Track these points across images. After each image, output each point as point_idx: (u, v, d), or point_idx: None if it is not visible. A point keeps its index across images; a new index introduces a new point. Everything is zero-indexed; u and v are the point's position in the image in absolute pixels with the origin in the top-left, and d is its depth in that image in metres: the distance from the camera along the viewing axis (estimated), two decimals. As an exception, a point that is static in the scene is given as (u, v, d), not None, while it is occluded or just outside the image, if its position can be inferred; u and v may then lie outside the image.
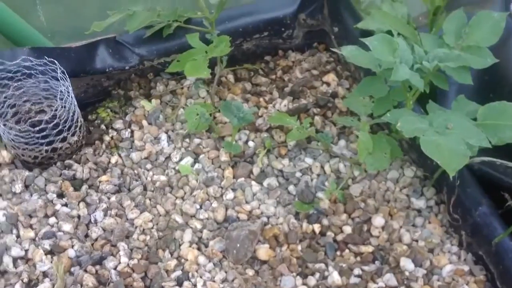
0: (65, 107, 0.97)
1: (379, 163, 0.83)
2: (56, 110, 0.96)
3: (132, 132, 1.04)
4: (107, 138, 1.03)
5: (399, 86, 0.84)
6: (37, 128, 0.95)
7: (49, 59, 0.99)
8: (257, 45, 1.15)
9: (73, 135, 1.00)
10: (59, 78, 0.99)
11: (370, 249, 0.86)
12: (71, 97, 0.98)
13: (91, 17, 1.34)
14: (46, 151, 0.98)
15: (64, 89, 0.98)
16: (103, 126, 1.06)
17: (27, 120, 1.05)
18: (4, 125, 0.96)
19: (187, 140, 1.01)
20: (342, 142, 0.99)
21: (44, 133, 0.96)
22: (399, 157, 0.89)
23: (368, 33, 1.03)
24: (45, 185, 0.94)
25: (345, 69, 1.11)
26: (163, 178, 0.95)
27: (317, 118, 1.01)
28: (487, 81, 0.95)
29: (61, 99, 0.98)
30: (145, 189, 0.95)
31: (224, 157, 0.97)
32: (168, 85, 1.12)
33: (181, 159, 0.98)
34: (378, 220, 0.88)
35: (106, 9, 1.33)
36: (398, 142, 0.90)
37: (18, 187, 0.93)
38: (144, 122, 1.05)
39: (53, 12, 1.30)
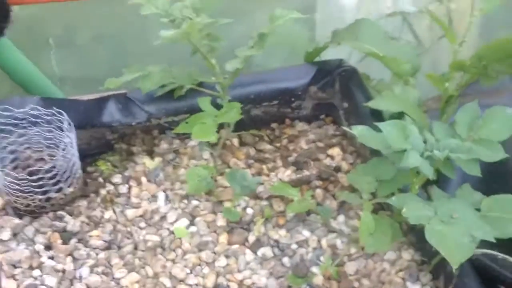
0: (66, 158, 0.96)
1: (379, 245, 0.80)
2: (56, 160, 0.95)
3: (129, 188, 1.02)
4: (103, 191, 1.01)
5: (407, 170, 0.83)
6: (35, 177, 0.93)
7: (58, 109, 0.99)
8: (266, 112, 1.15)
9: (69, 186, 0.98)
10: (65, 129, 0.99)
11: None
12: (74, 149, 0.97)
13: (102, 68, 1.38)
14: (40, 200, 0.96)
15: (68, 141, 0.97)
16: (100, 179, 1.04)
17: (25, 167, 1.04)
18: (1, 170, 0.95)
19: (185, 201, 0.99)
20: (341, 218, 0.96)
21: (41, 182, 0.94)
22: (399, 239, 0.87)
23: (377, 112, 1.04)
24: (34, 235, 0.91)
25: (350, 144, 1.10)
26: (155, 238, 0.92)
27: (318, 191, 1.00)
28: (492, 171, 0.94)
29: (63, 149, 0.97)
30: (136, 248, 0.92)
31: (220, 222, 0.95)
32: (172, 144, 1.11)
33: (176, 220, 0.96)
34: (373, 303, 0.84)
35: (117, 62, 1.36)
36: (398, 223, 0.87)
37: (6, 234, 0.91)
38: (143, 179, 1.03)
39: (66, 60, 1.33)
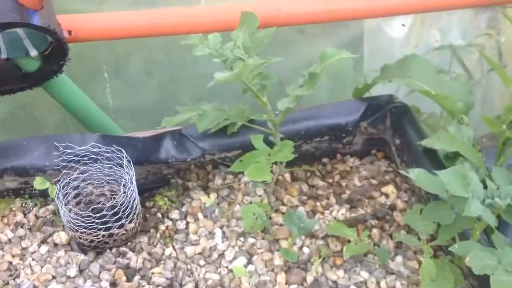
0: (127, 194, 1.00)
1: (441, 291, 0.81)
2: (117, 197, 0.98)
3: (187, 224, 1.05)
4: (162, 227, 1.04)
5: (466, 216, 0.84)
6: (98, 214, 0.97)
7: (117, 147, 1.02)
8: (316, 148, 1.17)
9: (130, 222, 1.02)
10: (124, 166, 1.02)
11: None
12: (134, 185, 1.01)
13: (155, 100, 1.41)
14: (103, 236, 0.99)
15: (128, 178, 1.00)
16: (159, 215, 1.07)
17: (87, 202, 1.08)
18: (66, 207, 0.98)
19: (242, 238, 1.01)
20: (399, 258, 0.97)
21: (105, 219, 0.97)
22: (461, 284, 0.87)
23: (431, 150, 1.05)
24: (100, 272, 0.94)
25: (405, 182, 1.11)
26: (215, 276, 0.95)
27: (374, 230, 1.01)
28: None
29: (124, 186, 1.01)
30: (197, 286, 0.94)
31: (278, 261, 0.96)
32: (226, 179, 1.13)
33: (234, 258, 0.98)
34: None
35: (169, 94, 1.40)
36: (459, 268, 0.88)
37: (72, 271, 0.94)
38: (200, 215, 1.06)
39: (119, 92, 1.37)
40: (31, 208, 1.06)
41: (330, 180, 1.13)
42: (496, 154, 0.99)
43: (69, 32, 1.02)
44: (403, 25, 1.29)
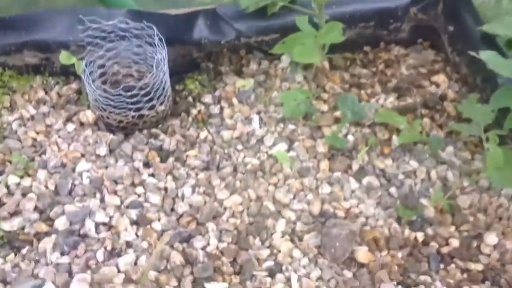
0: (158, 75, 0.92)
1: (508, 181, 0.74)
2: (152, 77, 0.90)
3: (221, 108, 0.98)
4: (194, 111, 0.97)
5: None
6: (129, 94, 0.89)
7: (147, 23, 0.93)
8: (359, 34, 1.07)
9: (161, 104, 0.94)
10: (155, 45, 0.93)
11: (479, 267, 0.78)
12: (166, 66, 0.92)
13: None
14: (133, 116, 0.93)
15: (161, 57, 0.92)
16: (190, 99, 1.00)
17: (114, 82, 1.00)
18: (90, 85, 0.91)
19: (281, 125, 0.95)
20: (450, 148, 0.90)
21: (135, 99, 0.90)
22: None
23: (489, 38, 0.96)
24: (132, 152, 0.88)
25: (455, 71, 1.03)
26: (255, 161, 0.89)
27: (425, 120, 0.93)
28: None
29: (157, 67, 0.92)
30: (235, 170, 0.88)
31: (321, 148, 0.90)
32: (261, 65, 1.05)
33: (274, 144, 0.91)
34: (491, 238, 0.79)
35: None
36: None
37: (102, 150, 0.88)
38: (234, 100, 0.99)
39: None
40: (53, 86, 0.99)
41: (374, 69, 1.05)
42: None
43: None
44: None
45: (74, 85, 0.99)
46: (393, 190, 0.85)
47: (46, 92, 0.97)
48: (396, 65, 1.05)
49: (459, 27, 1.01)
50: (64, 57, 0.91)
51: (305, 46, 0.91)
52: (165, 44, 0.93)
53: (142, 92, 0.90)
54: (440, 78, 1.00)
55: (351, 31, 1.06)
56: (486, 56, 0.78)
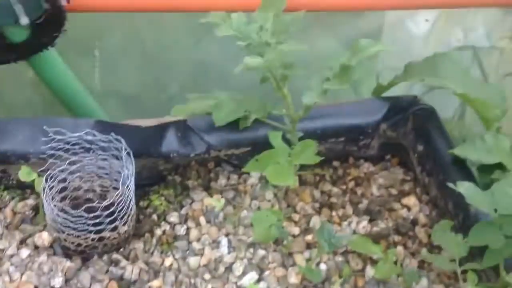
0: (124, 192, 0.87)
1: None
2: (117, 195, 0.85)
3: (188, 229, 0.93)
4: (158, 231, 0.92)
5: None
6: (91, 214, 0.84)
7: (116, 136, 0.90)
8: (329, 149, 1.06)
9: (124, 224, 0.89)
10: (122, 158, 0.89)
11: None
12: (132, 182, 0.88)
13: (148, 87, 1.28)
14: (93, 239, 0.87)
15: (128, 173, 0.88)
16: (154, 217, 0.95)
17: (73, 198, 0.95)
18: (49, 204, 0.85)
19: (251, 250, 0.90)
20: (424, 281, 0.88)
21: (98, 220, 0.85)
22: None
23: (460, 160, 0.96)
24: (90, 283, 0.82)
25: (425, 192, 1.02)
26: (223, 294, 0.84)
27: (399, 247, 0.91)
28: None
29: (123, 184, 0.88)
30: (202, 305, 0.83)
31: (293, 279, 0.86)
32: (230, 179, 1.02)
33: (243, 273, 0.87)
34: None
35: (166, 81, 1.27)
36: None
37: (58, 280, 0.81)
38: (202, 219, 0.94)
39: (109, 76, 1.24)
40: (8, 202, 0.93)
41: (344, 187, 1.03)
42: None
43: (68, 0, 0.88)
44: (426, 20, 1.19)
45: (30, 201, 0.93)
46: (368, 329, 0.82)
47: (0, 209, 0.90)
48: (367, 183, 1.03)
49: (429, 147, 1.01)
50: (24, 174, 0.86)
51: (279, 166, 0.89)
52: (132, 158, 0.89)
53: (106, 212, 0.85)
54: (411, 200, 0.99)
55: (321, 146, 1.05)
56: (464, 189, 0.77)
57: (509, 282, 0.74)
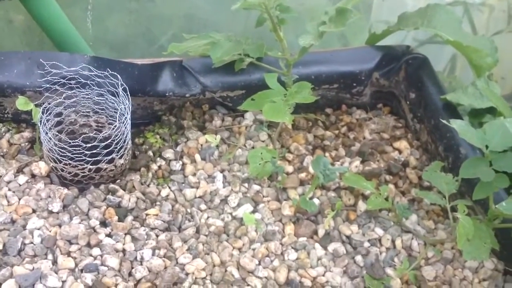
0: (120, 127, 0.88)
1: (479, 253, 0.74)
2: (113, 128, 0.86)
3: (183, 165, 0.94)
4: (154, 166, 0.93)
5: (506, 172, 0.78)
6: (88, 145, 0.84)
7: (112, 72, 0.90)
8: (322, 96, 1.08)
9: (120, 157, 0.90)
10: (118, 95, 0.90)
11: None
12: (128, 117, 0.89)
13: (138, 33, 1.27)
14: (90, 170, 0.87)
15: (125, 108, 0.88)
16: (150, 153, 0.96)
17: (70, 132, 0.95)
18: (46, 134, 0.85)
19: (246, 185, 0.92)
20: (414, 217, 0.90)
21: (95, 151, 0.85)
22: (496, 248, 0.81)
23: (451, 106, 0.98)
24: (88, 209, 0.83)
25: (416, 138, 1.04)
26: (219, 223, 0.85)
27: (390, 186, 0.93)
28: None
29: (119, 118, 0.88)
30: (198, 231, 0.84)
31: (287, 211, 0.88)
32: (224, 121, 1.03)
33: (238, 205, 0.88)
34: (457, 312, 0.79)
35: (156, 26, 1.26)
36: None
37: (56, 205, 0.82)
38: (197, 157, 0.96)
39: (101, 22, 1.23)
40: (3, 134, 0.93)
41: (336, 131, 1.05)
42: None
43: None
44: (421, -27, 1.20)
45: (26, 133, 0.93)
46: (359, 258, 0.83)
47: (-5, 140, 0.91)
48: (359, 128, 1.05)
49: (421, 95, 1.03)
50: (21, 103, 0.86)
51: (275, 104, 0.90)
52: (129, 95, 0.89)
53: (103, 144, 0.85)
54: (402, 144, 1.01)
55: (314, 92, 1.06)
56: (457, 125, 0.79)
57: (499, 213, 0.76)
